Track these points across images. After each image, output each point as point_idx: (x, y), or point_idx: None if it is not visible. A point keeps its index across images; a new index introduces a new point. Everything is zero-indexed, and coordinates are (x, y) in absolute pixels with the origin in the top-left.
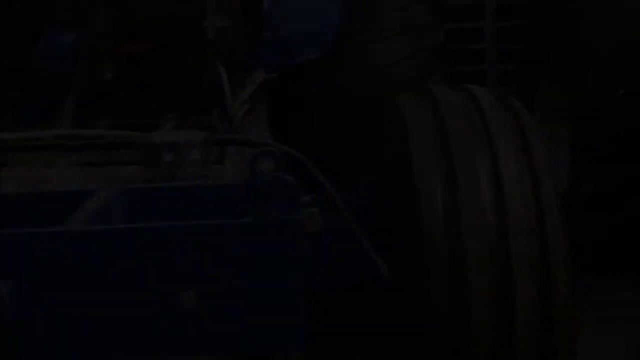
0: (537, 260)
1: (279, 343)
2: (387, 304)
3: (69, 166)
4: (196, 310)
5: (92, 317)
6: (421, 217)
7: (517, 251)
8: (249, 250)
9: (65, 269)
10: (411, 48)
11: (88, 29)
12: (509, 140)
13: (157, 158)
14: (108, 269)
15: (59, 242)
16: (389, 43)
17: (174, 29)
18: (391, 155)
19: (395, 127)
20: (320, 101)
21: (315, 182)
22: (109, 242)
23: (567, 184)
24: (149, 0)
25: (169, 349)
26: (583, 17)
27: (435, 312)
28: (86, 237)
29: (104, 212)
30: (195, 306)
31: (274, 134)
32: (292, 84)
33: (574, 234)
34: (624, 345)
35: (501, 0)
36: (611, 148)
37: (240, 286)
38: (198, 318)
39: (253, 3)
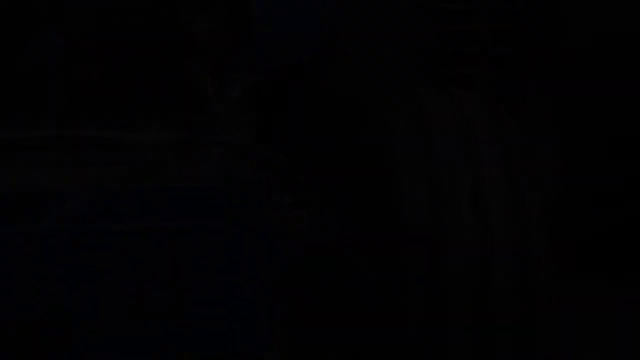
0: (518, 266)
1: (253, 343)
2: (367, 304)
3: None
4: (170, 310)
5: (63, 316)
6: (403, 221)
7: (497, 255)
8: (223, 251)
9: (37, 269)
10: (401, 51)
11: (72, 28)
12: (492, 145)
13: (137, 159)
14: (80, 269)
15: (29, 241)
16: (378, 45)
17: (160, 29)
18: (375, 158)
19: (379, 129)
20: (307, 103)
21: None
22: (81, 242)
23: (559, 186)
24: (135, 0)
25: (143, 349)
26: (572, 21)
27: (415, 313)
28: (57, 237)
29: (77, 213)
30: (169, 306)
31: (261, 135)
32: (280, 85)
33: (566, 236)
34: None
35: (492, 4)
36: (603, 150)
37: (215, 287)
38: (172, 318)
39: (241, 4)
